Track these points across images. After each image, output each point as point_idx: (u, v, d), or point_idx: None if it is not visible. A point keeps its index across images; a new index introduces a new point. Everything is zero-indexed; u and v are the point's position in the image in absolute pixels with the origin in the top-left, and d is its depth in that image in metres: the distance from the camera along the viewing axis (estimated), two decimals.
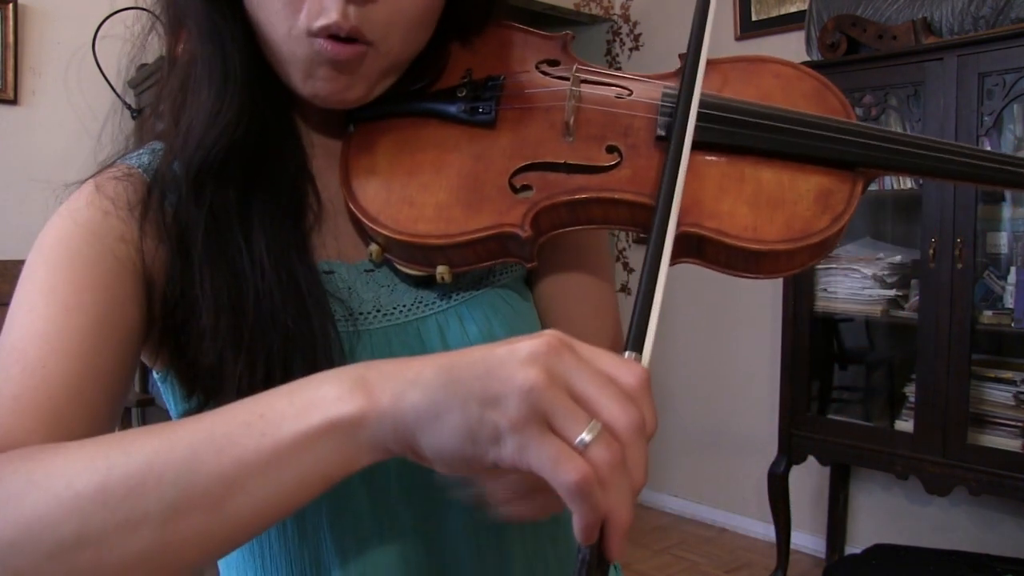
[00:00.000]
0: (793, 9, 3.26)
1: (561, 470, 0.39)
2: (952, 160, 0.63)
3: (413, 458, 0.44)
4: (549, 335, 0.42)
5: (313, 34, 0.59)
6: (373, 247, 0.64)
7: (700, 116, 0.62)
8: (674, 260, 0.61)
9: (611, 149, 0.64)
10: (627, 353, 0.47)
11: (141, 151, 0.65)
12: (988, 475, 2.42)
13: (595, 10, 3.94)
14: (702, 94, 0.65)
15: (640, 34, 3.84)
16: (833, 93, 0.68)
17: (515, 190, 0.62)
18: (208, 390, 0.59)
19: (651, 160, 0.63)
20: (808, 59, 2.92)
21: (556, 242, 0.73)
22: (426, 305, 0.66)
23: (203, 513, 0.43)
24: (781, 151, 0.63)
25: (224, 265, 0.59)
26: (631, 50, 3.87)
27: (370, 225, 0.62)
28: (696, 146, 0.63)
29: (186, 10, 0.62)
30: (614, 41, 3.92)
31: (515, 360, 0.41)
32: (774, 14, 3.33)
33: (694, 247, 0.62)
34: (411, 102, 0.67)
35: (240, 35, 0.61)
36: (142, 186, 0.62)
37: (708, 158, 0.63)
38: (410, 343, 0.65)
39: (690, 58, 0.62)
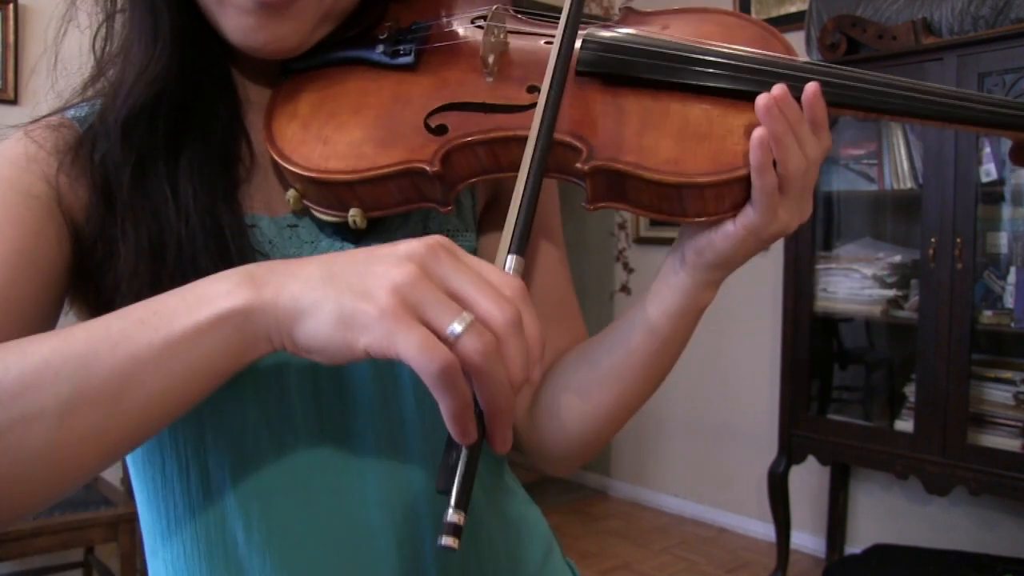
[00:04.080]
0: (793, 9, 3.26)
1: (424, 356, 0.41)
2: (896, 95, 0.61)
3: (292, 349, 0.46)
4: (432, 238, 0.45)
5: None
6: (291, 192, 0.63)
7: (624, 50, 0.62)
8: (597, 204, 0.61)
9: (532, 89, 0.63)
10: (509, 256, 0.49)
11: (82, 104, 0.65)
12: (988, 475, 2.42)
13: (595, 10, 3.94)
14: (630, 33, 0.65)
15: None
16: (777, 38, 0.67)
17: (430, 129, 0.62)
18: None
19: (573, 98, 0.62)
20: (808, 59, 2.92)
21: (501, 210, 0.74)
22: None
23: (99, 407, 0.44)
24: (712, 86, 0.61)
25: (148, 210, 0.60)
26: None
27: (284, 165, 0.61)
28: (620, 81, 0.62)
29: None
30: None
31: (392, 257, 0.44)
32: (774, 14, 3.33)
33: (615, 186, 0.60)
34: (338, 51, 0.66)
35: None
36: (73, 136, 0.62)
37: (634, 95, 0.62)
38: None
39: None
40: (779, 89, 0.57)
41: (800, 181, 0.58)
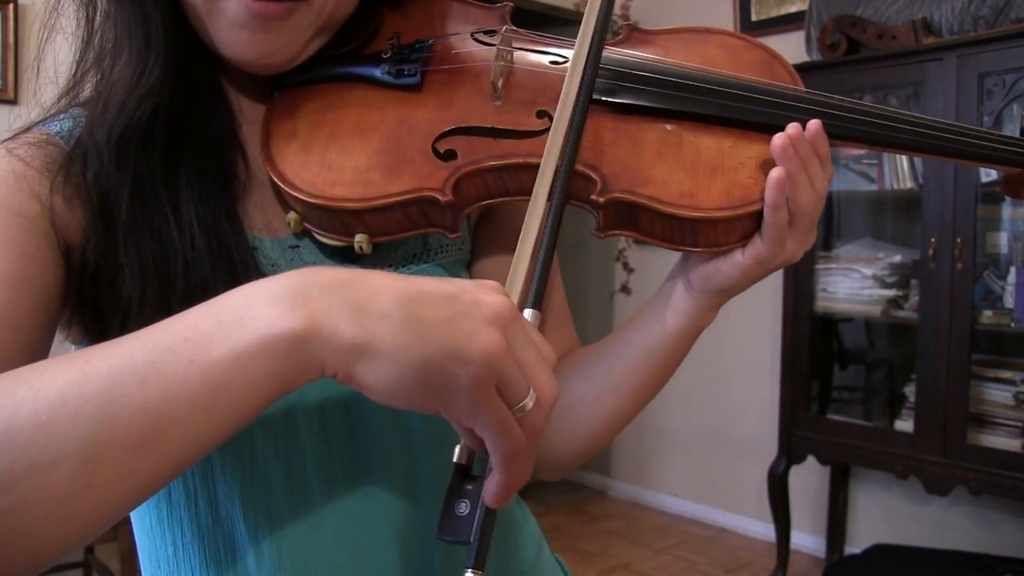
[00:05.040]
0: (793, 9, 3.26)
1: (503, 438, 0.42)
2: (901, 129, 0.63)
3: (343, 381, 0.42)
4: (501, 296, 0.44)
5: None
6: (292, 215, 0.61)
7: (637, 79, 0.62)
8: (607, 232, 0.61)
9: (541, 114, 0.62)
10: (528, 311, 0.49)
11: (62, 116, 0.62)
12: (988, 475, 2.42)
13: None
14: (638, 58, 0.64)
15: None
16: (781, 64, 0.67)
17: (439, 155, 0.60)
18: None
19: (585, 126, 0.61)
20: (808, 59, 2.92)
21: (496, 224, 0.72)
22: None
23: (128, 449, 0.39)
24: (722, 116, 0.62)
25: (150, 233, 0.57)
26: None
27: (286, 189, 0.60)
28: (633, 110, 0.62)
29: None
30: None
31: (480, 316, 0.42)
32: (774, 14, 3.33)
33: (627, 216, 0.60)
34: (337, 66, 0.64)
35: None
36: (60, 154, 0.59)
37: (645, 124, 0.62)
38: None
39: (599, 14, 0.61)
40: (794, 129, 0.58)
41: (810, 215, 0.60)
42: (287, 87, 0.65)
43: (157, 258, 0.57)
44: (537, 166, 0.57)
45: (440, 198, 0.58)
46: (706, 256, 0.63)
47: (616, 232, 0.61)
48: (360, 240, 0.60)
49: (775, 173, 0.58)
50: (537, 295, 0.50)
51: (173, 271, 0.57)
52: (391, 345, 0.41)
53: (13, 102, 2.62)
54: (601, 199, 0.58)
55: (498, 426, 0.42)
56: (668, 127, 0.62)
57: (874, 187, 2.84)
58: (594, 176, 0.59)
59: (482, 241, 0.73)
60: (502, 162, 0.60)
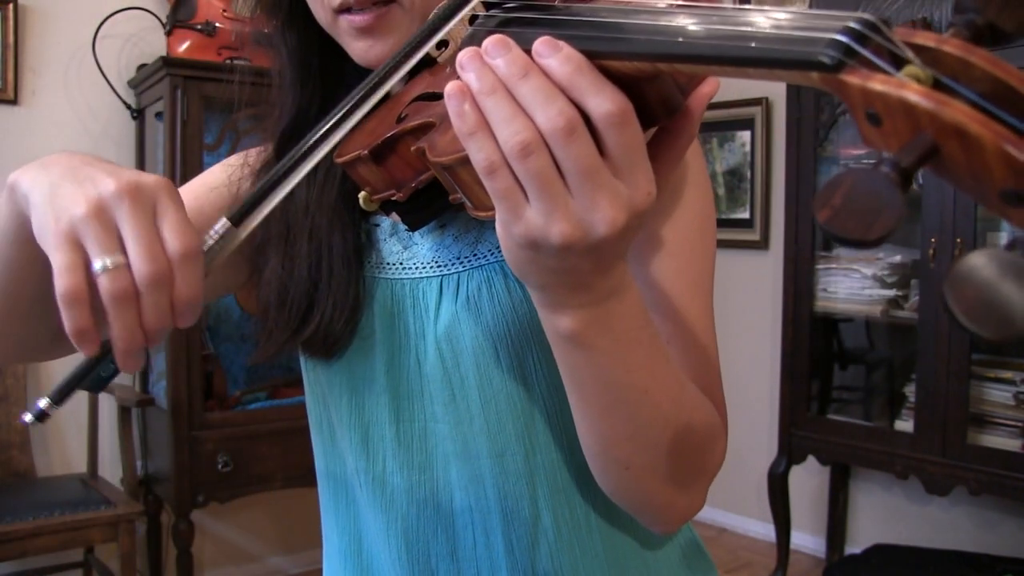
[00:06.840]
0: (793, 9, 3.26)
1: (59, 276, 0.46)
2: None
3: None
4: (154, 179, 0.49)
5: (337, 11, 0.65)
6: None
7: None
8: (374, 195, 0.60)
9: None
10: (222, 220, 0.51)
11: None
12: (988, 475, 2.42)
13: None
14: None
15: None
16: None
17: (398, 119, 0.57)
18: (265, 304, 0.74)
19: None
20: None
21: None
22: (440, 266, 0.71)
23: None
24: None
25: (284, 222, 0.73)
26: None
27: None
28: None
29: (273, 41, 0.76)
30: None
31: (90, 187, 0.48)
32: None
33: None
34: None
35: (301, 31, 0.72)
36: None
37: None
38: (400, 297, 0.71)
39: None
40: (491, 42, 0.45)
41: (527, 164, 0.42)
42: None
43: (287, 233, 0.73)
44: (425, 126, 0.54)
45: (361, 154, 0.57)
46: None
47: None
48: (363, 196, 0.61)
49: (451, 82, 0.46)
50: (242, 210, 0.51)
51: (298, 242, 0.72)
52: (35, 200, 0.50)
53: (13, 102, 2.62)
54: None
55: (57, 266, 0.47)
56: None
57: None
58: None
59: None
60: (415, 123, 0.55)
